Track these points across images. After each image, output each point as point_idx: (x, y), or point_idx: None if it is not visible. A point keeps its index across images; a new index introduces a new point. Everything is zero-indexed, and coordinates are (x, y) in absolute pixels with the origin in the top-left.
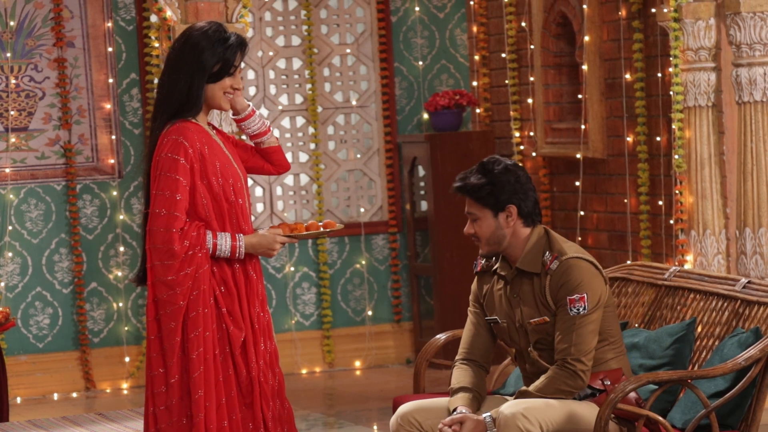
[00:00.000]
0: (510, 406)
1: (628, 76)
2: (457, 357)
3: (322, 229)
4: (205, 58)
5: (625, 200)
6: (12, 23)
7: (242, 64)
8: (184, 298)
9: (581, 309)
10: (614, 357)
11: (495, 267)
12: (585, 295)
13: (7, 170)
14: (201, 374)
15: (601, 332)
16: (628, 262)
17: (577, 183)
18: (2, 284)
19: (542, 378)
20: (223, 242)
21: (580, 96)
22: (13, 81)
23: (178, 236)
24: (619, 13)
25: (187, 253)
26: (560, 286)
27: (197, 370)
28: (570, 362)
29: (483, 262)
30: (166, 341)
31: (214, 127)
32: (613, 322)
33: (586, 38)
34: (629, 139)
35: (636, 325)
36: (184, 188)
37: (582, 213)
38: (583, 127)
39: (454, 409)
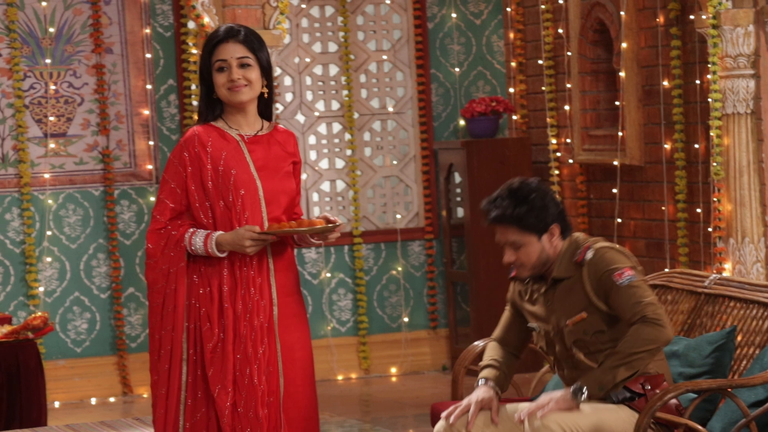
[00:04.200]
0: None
1: (665, 83)
2: (492, 335)
3: (306, 227)
4: (202, 64)
5: (663, 207)
6: (51, 30)
7: (242, 54)
8: (160, 296)
9: (630, 278)
10: (654, 362)
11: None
12: (627, 267)
13: (46, 176)
14: (165, 372)
15: None
16: (666, 269)
17: (615, 190)
18: (41, 289)
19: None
20: (198, 239)
21: (617, 103)
22: (53, 87)
23: (155, 237)
24: (657, 19)
25: (163, 252)
26: (601, 271)
27: (163, 367)
28: (647, 316)
29: None
30: (150, 336)
31: (258, 133)
32: None
33: (624, 45)
34: (667, 146)
35: (676, 333)
36: (171, 190)
37: (619, 220)
38: (620, 134)
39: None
